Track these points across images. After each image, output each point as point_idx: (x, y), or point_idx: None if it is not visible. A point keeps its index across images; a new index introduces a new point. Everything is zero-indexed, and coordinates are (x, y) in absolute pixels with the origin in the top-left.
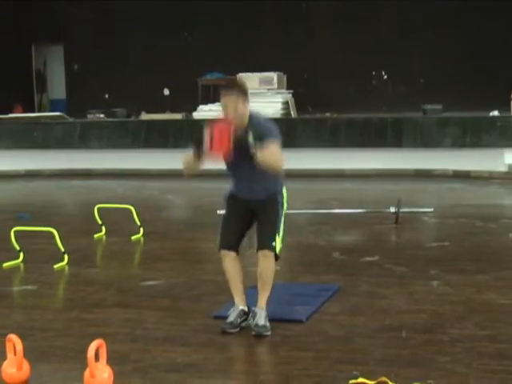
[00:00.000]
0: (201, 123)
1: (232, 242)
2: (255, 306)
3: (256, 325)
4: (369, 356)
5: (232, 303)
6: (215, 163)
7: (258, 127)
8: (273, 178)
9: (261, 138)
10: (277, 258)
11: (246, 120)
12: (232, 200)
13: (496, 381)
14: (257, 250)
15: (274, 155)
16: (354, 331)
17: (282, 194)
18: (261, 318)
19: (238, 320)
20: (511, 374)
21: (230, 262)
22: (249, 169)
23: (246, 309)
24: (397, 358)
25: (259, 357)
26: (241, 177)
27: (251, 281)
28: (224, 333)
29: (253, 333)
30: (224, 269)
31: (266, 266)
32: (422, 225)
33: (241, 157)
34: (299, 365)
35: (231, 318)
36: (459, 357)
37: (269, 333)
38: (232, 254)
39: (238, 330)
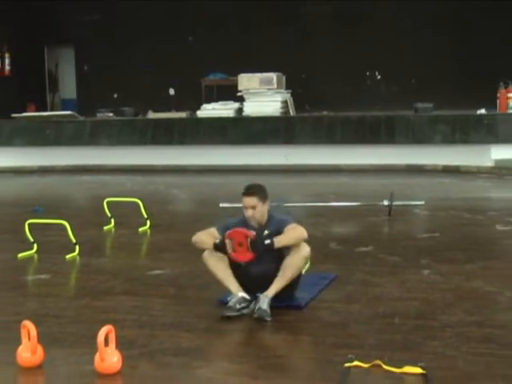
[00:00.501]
0: (203, 121)
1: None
2: None
3: (258, 308)
4: (363, 341)
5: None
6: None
7: (275, 223)
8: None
9: (279, 230)
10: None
11: (265, 218)
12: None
13: (483, 363)
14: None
15: (290, 234)
16: (349, 318)
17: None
18: (264, 303)
19: (237, 305)
20: (497, 357)
21: (211, 259)
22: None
23: (247, 296)
24: (390, 342)
25: (260, 341)
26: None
27: None
28: (223, 318)
29: (254, 315)
30: (210, 269)
31: (298, 258)
32: (413, 217)
33: (261, 255)
34: (298, 349)
35: (230, 304)
36: (449, 341)
37: (269, 318)
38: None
39: (237, 313)
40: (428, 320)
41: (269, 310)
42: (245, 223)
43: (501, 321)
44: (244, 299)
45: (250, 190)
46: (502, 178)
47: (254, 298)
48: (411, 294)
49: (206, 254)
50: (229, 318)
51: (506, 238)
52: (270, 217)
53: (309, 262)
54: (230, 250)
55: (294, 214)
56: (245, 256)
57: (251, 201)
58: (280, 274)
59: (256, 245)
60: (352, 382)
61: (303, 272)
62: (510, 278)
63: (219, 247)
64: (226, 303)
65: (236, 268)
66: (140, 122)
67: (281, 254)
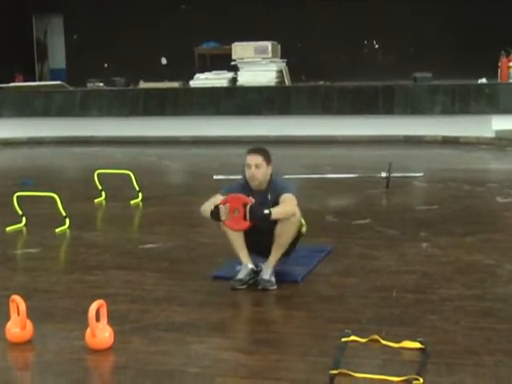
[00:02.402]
0: (196, 91)
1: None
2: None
3: (262, 279)
4: (360, 315)
5: (230, 263)
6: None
7: (275, 188)
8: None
9: (278, 195)
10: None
11: (267, 182)
12: None
13: (482, 337)
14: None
15: (284, 208)
16: (346, 291)
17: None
18: (266, 274)
19: (248, 277)
20: (496, 331)
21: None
22: (264, 231)
23: (255, 268)
24: (388, 316)
25: (254, 316)
26: (254, 238)
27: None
28: (233, 289)
29: (259, 287)
30: (224, 230)
31: (289, 225)
32: (412, 189)
33: (257, 224)
34: (293, 324)
35: (241, 276)
36: (447, 315)
37: (274, 287)
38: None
39: (245, 287)
40: (427, 294)
41: (273, 279)
42: (245, 187)
43: (501, 294)
44: (253, 271)
45: (256, 149)
46: (503, 149)
47: (258, 268)
48: (409, 267)
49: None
50: (238, 288)
51: (506, 210)
52: (272, 182)
53: (305, 226)
54: (223, 217)
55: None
56: (239, 224)
57: (256, 159)
58: (275, 244)
59: (254, 212)
60: (349, 357)
61: (303, 230)
62: (510, 251)
63: (213, 214)
64: (226, 278)
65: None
66: (131, 92)
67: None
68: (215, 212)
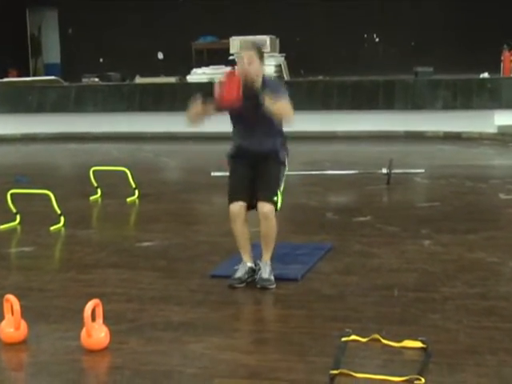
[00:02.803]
0: (193, 86)
1: (241, 193)
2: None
3: (260, 278)
4: (361, 314)
5: (228, 262)
6: (223, 112)
7: (269, 86)
8: (278, 135)
9: (274, 93)
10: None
11: (260, 81)
12: (235, 158)
13: (484, 336)
14: (256, 203)
15: (282, 105)
16: (346, 290)
17: (285, 155)
18: (265, 272)
19: (246, 276)
20: (499, 330)
21: (239, 220)
22: (255, 119)
23: (254, 266)
24: (389, 315)
25: (253, 315)
26: (246, 127)
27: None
28: (231, 287)
29: (258, 286)
30: (232, 226)
31: (269, 226)
32: (413, 185)
33: (249, 107)
34: (293, 323)
35: (239, 274)
36: (450, 314)
37: (273, 286)
38: (242, 204)
39: (243, 285)
40: (428, 292)
41: (272, 278)
42: None
43: (504, 293)
44: (252, 270)
45: (249, 44)
46: (506, 144)
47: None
48: (411, 265)
49: (232, 211)
50: (236, 287)
51: (509, 206)
52: (264, 80)
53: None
54: (217, 94)
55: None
56: (232, 98)
57: (248, 53)
58: (263, 244)
59: (248, 86)
60: (349, 356)
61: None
62: None
63: (207, 95)
64: (224, 276)
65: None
66: (127, 87)
67: (271, 126)
68: (209, 93)
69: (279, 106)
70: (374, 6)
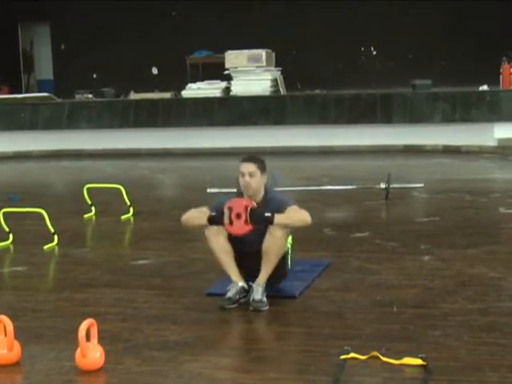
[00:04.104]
0: (188, 101)
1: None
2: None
3: (253, 300)
4: (360, 331)
5: (224, 280)
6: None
7: (274, 203)
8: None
9: (278, 209)
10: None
11: (262, 193)
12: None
13: (486, 353)
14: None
15: (295, 216)
16: (345, 307)
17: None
18: (257, 293)
19: (237, 296)
20: (501, 346)
21: (218, 236)
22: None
23: (246, 286)
24: (388, 332)
25: (251, 333)
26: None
27: None
28: (222, 309)
29: (250, 308)
30: (210, 246)
31: (274, 240)
32: (412, 200)
33: (256, 230)
34: (291, 341)
35: (230, 294)
36: (450, 330)
37: (266, 308)
38: (219, 229)
39: (235, 305)
40: (428, 308)
41: (264, 299)
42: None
43: (505, 308)
44: (244, 289)
45: (251, 157)
46: (506, 158)
47: (249, 286)
48: (410, 281)
49: (208, 234)
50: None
51: (510, 221)
52: (266, 194)
53: (290, 235)
54: (226, 221)
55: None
56: (241, 229)
57: (250, 167)
58: (264, 259)
59: (255, 215)
60: (348, 375)
61: (289, 246)
62: None
63: (215, 219)
64: (224, 294)
65: (233, 245)
66: (121, 103)
67: None
68: (218, 217)
69: (292, 218)
70: (370, 18)
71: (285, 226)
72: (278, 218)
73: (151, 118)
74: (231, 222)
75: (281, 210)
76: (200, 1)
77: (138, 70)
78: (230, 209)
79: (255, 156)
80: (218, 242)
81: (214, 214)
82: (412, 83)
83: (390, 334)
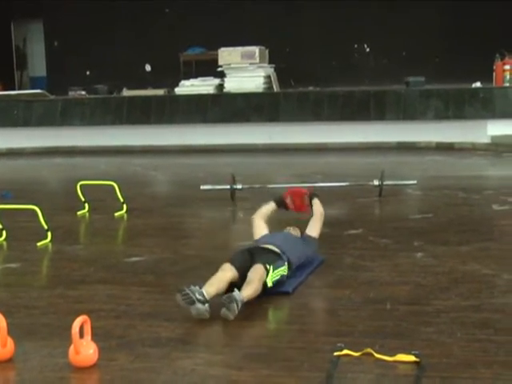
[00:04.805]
0: (182, 98)
1: (237, 263)
2: None
3: (234, 297)
4: (353, 328)
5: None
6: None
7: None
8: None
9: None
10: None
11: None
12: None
13: (479, 349)
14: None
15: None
16: (338, 304)
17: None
18: (239, 298)
19: (197, 295)
20: (494, 343)
21: (227, 273)
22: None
23: (206, 296)
24: (381, 329)
25: (244, 330)
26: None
27: None
28: (179, 292)
29: (222, 297)
30: (218, 271)
31: (257, 274)
32: (405, 197)
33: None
34: (284, 337)
35: (192, 288)
36: (443, 327)
37: (231, 317)
38: (232, 268)
39: (191, 299)
40: (421, 305)
41: (236, 310)
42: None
43: (498, 305)
44: (203, 295)
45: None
46: (499, 155)
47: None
48: (403, 278)
49: (225, 265)
50: (185, 296)
51: (502, 218)
52: None
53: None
54: (291, 206)
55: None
56: (302, 207)
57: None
58: (246, 283)
59: (313, 195)
60: (342, 371)
61: (270, 285)
62: (508, 260)
63: (280, 203)
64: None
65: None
66: (114, 100)
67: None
68: (282, 202)
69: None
70: (364, 15)
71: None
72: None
73: (144, 115)
74: (294, 203)
75: None
76: None
77: (131, 67)
78: (293, 195)
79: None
80: (223, 275)
81: (278, 199)
82: (405, 80)
83: (383, 331)
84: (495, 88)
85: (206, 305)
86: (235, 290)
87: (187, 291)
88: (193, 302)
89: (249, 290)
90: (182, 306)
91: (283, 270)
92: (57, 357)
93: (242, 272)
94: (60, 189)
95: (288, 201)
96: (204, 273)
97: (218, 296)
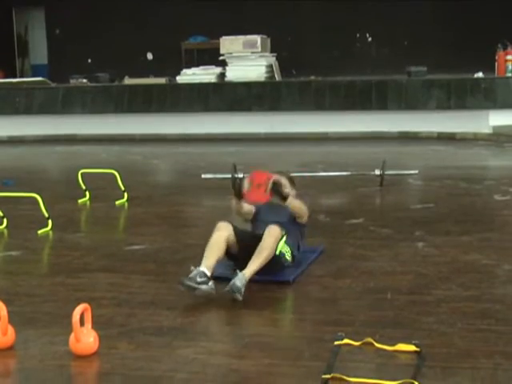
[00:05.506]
0: (183, 87)
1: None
2: None
3: (233, 283)
4: (354, 318)
5: (219, 265)
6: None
7: None
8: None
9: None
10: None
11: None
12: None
13: (479, 339)
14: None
15: (302, 203)
16: (339, 293)
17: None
18: (239, 280)
19: (198, 278)
20: (494, 333)
21: (222, 232)
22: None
23: (209, 273)
24: (382, 319)
25: (245, 319)
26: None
27: None
28: (180, 284)
29: (226, 288)
30: (212, 236)
31: (268, 242)
32: (406, 187)
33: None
34: (285, 327)
35: (191, 275)
36: (444, 317)
37: (240, 298)
38: (230, 227)
39: (196, 286)
40: (422, 295)
41: (243, 290)
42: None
43: (499, 295)
44: (204, 274)
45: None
46: (501, 145)
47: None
48: (404, 267)
49: (217, 226)
50: (186, 287)
51: (504, 208)
52: None
53: (281, 242)
54: (245, 189)
55: None
56: (260, 197)
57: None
58: (255, 254)
59: (275, 188)
60: (342, 361)
61: (277, 252)
62: (509, 251)
63: (236, 187)
64: (214, 279)
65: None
66: (116, 88)
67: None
68: (238, 184)
69: (302, 205)
70: (366, 5)
71: (293, 208)
72: (292, 198)
73: (146, 104)
74: (251, 190)
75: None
76: None
77: (132, 56)
78: (252, 180)
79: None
80: (218, 236)
81: (237, 182)
82: (407, 70)
83: (383, 321)
84: (497, 78)
85: (210, 282)
86: (236, 271)
87: (187, 283)
88: (195, 288)
89: (257, 262)
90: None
91: (288, 248)
92: (57, 345)
93: (244, 247)
94: (61, 177)
95: (245, 183)
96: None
97: (220, 261)
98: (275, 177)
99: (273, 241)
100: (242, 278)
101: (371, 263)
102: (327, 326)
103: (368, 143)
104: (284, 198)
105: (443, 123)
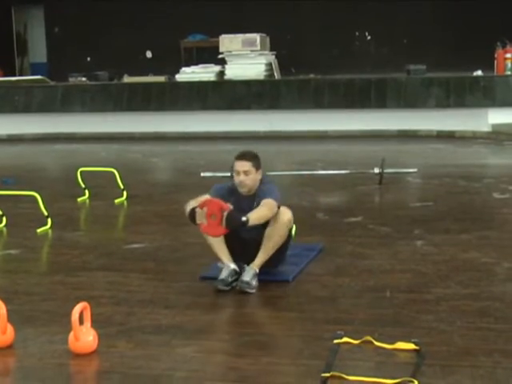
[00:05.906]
0: (182, 85)
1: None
2: None
3: (241, 280)
4: (353, 316)
5: (217, 265)
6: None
7: (260, 193)
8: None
9: (261, 198)
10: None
11: (256, 187)
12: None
13: (479, 338)
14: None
15: (260, 212)
16: (338, 291)
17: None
18: (248, 275)
19: (230, 279)
20: (493, 331)
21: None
22: (247, 241)
23: (238, 269)
24: (381, 317)
25: (244, 318)
26: (236, 244)
27: None
28: (217, 290)
29: (237, 287)
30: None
31: (277, 230)
32: (405, 185)
33: (236, 232)
34: (284, 325)
35: (223, 276)
36: (443, 315)
37: (252, 291)
38: None
39: (229, 288)
40: (421, 293)
41: (253, 283)
42: (232, 190)
43: (498, 293)
44: (235, 272)
45: (245, 155)
46: (500, 143)
47: (242, 268)
48: (403, 266)
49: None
50: (221, 291)
51: (503, 206)
52: (260, 186)
53: (294, 226)
54: (199, 221)
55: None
56: (215, 230)
57: (245, 165)
58: (263, 245)
59: (231, 220)
60: (341, 359)
61: (292, 238)
62: (508, 249)
63: (190, 216)
64: (216, 277)
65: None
66: (115, 86)
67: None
68: (191, 214)
69: (260, 214)
70: (365, 3)
71: (258, 222)
72: (252, 218)
73: (145, 102)
74: (206, 222)
75: (262, 198)
76: None
77: (131, 54)
78: (204, 208)
79: (250, 152)
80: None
81: (190, 210)
82: (406, 68)
83: (383, 319)
84: (496, 76)
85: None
86: (244, 267)
87: (222, 288)
88: (229, 284)
89: (263, 255)
90: None
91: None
92: (56, 343)
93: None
94: (60, 175)
95: (198, 214)
96: (204, 260)
97: None
98: (228, 207)
99: (282, 228)
100: (249, 271)
101: (370, 261)
102: (326, 324)
103: (367, 141)
104: (244, 225)
105: (442, 121)
